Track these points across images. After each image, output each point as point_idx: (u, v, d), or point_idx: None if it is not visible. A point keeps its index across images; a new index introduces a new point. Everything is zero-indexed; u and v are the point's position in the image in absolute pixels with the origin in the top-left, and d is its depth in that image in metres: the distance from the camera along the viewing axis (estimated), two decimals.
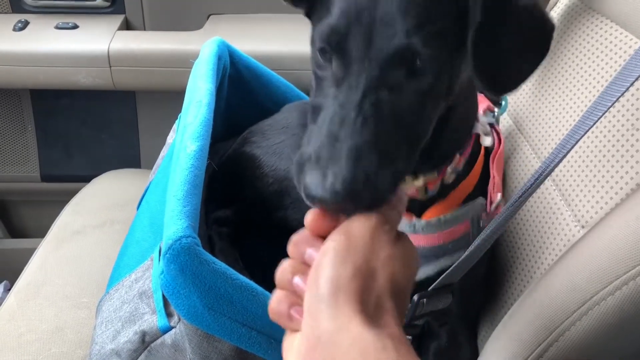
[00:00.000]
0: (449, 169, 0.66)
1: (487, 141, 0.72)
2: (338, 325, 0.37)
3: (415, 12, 0.48)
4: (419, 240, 0.68)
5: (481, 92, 0.72)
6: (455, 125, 0.63)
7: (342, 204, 0.44)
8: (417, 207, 0.68)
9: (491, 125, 0.77)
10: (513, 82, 0.54)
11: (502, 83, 0.53)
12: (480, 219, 0.70)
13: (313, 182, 0.44)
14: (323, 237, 0.43)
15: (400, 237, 0.44)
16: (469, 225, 0.69)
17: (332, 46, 0.49)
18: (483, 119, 0.76)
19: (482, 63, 0.51)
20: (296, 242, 0.45)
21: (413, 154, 0.52)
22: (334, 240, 0.41)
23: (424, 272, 0.69)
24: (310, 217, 0.45)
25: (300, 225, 0.46)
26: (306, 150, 0.47)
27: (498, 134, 0.76)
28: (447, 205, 0.69)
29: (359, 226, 0.42)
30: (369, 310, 0.39)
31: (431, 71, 0.49)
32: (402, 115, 0.49)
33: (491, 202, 0.71)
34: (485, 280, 0.81)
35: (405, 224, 0.68)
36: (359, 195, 0.44)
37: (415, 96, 0.49)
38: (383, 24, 0.48)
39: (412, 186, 0.66)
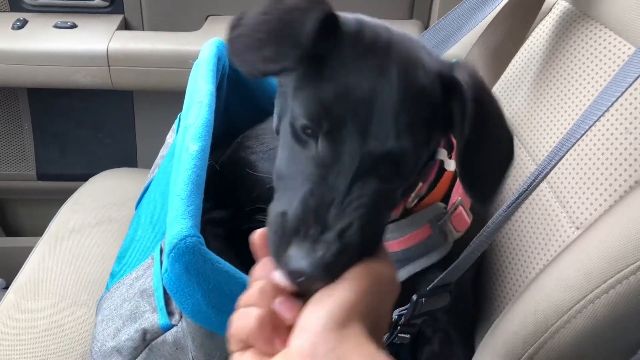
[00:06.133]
0: (412, 195, 0.68)
1: (451, 166, 0.72)
2: (349, 346, 0.39)
3: (407, 117, 0.48)
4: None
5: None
6: None
7: (322, 277, 0.44)
8: None
9: None
10: (492, 190, 0.54)
11: (485, 192, 0.54)
12: (442, 222, 0.71)
13: (299, 254, 0.44)
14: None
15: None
16: (429, 229, 0.70)
17: (321, 128, 0.47)
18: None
19: (469, 175, 0.52)
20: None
21: (389, 217, 0.56)
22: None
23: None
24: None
25: None
26: (287, 225, 0.46)
27: None
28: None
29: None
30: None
31: (413, 170, 0.53)
32: (382, 202, 0.50)
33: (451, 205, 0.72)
34: (476, 281, 0.82)
35: None
36: (341, 267, 0.45)
37: (397, 187, 0.53)
38: (379, 122, 0.47)
39: None
